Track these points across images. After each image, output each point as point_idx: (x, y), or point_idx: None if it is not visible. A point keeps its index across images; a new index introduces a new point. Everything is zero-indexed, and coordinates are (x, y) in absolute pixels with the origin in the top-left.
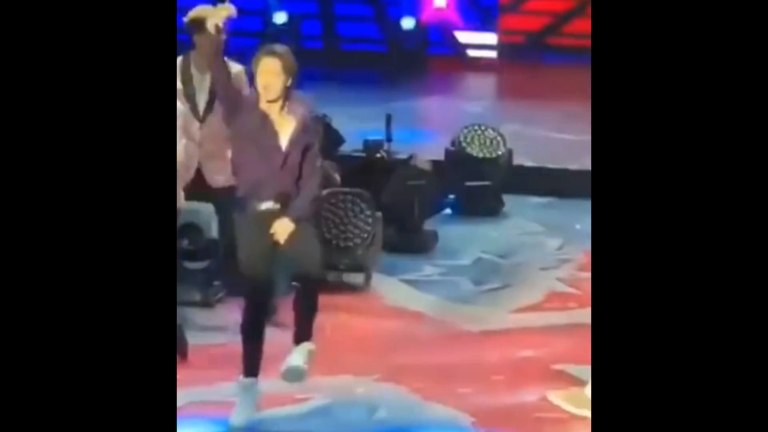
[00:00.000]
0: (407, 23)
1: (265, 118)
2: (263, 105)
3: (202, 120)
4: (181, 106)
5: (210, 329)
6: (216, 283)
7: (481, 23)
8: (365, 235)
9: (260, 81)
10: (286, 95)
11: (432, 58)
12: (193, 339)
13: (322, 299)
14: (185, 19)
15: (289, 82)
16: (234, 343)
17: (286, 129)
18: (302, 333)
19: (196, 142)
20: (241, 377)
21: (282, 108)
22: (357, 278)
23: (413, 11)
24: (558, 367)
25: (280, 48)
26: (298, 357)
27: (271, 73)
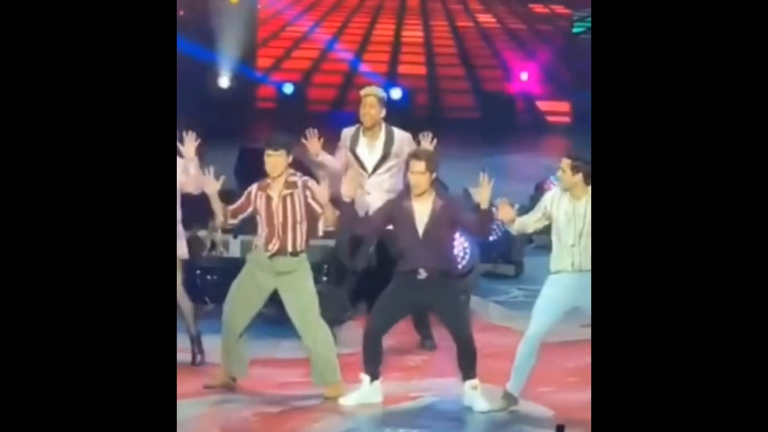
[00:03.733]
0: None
1: (409, 210)
2: (410, 199)
3: (370, 174)
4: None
5: (341, 342)
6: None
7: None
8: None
9: (410, 179)
10: (432, 186)
11: (518, 122)
12: None
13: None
14: (362, 93)
15: (434, 176)
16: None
17: (423, 217)
18: (468, 373)
19: (364, 190)
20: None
21: (426, 200)
22: None
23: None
24: None
25: (424, 151)
26: (479, 402)
27: (417, 173)
